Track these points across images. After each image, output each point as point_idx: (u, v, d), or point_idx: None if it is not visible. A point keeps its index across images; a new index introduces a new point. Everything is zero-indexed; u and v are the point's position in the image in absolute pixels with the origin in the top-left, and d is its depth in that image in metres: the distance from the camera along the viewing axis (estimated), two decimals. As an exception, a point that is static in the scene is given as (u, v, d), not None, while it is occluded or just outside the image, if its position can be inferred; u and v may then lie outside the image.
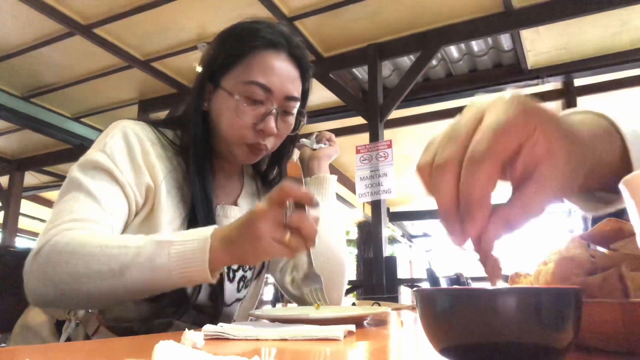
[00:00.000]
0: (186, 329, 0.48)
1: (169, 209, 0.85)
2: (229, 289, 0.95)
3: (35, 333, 0.84)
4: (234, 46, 0.90)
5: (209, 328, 0.57)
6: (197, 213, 0.86)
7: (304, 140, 1.16)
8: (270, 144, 0.93)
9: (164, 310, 0.83)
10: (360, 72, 4.58)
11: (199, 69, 0.95)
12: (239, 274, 0.97)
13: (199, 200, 0.86)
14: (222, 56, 0.90)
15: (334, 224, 1.05)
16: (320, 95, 4.67)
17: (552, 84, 4.33)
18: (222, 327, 0.57)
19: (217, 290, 0.90)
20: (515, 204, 0.34)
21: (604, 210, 0.53)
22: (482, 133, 0.33)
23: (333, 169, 7.07)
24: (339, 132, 5.18)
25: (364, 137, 4.06)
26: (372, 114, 4.01)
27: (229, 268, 0.95)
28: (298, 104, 0.94)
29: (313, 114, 5.11)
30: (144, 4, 3.60)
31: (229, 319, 0.96)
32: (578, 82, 4.26)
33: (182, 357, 0.33)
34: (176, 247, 0.69)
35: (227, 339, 0.55)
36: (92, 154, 0.82)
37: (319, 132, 1.17)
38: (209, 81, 0.92)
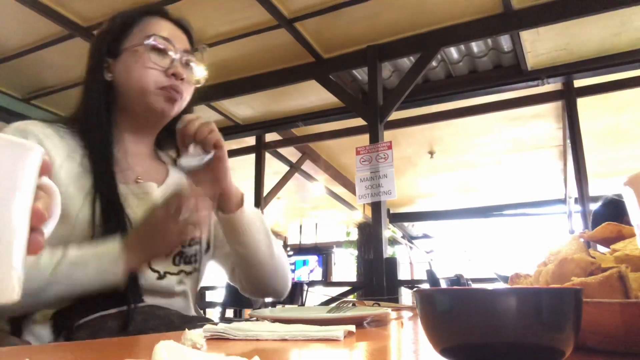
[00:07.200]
0: (186, 329, 0.48)
1: (68, 190, 0.84)
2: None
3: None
4: (128, 16, 1.00)
5: (209, 328, 0.57)
6: (97, 185, 0.86)
7: (182, 161, 0.89)
8: (183, 91, 0.98)
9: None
10: (360, 74, 4.57)
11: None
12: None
13: (99, 171, 0.88)
14: (117, 28, 0.99)
15: (260, 239, 1.01)
16: (320, 96, 4.67)
17: (552, 85, 4.33)
18: (222, 327, 0.57)
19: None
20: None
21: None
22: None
23: (333, 171, 6.97)
24: (339, 133, 5.18)
25: (364, 139, 4.05)
26: (372, 115, 4.01)
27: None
28: (194, 59, 1.02)
29: (313, 115, 5.10)
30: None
31: (159, 293, 0.92)
32: (578, 83, 4.26)
33: (182, 357, 0.33)
34: (93, 266, 0.78)
35: (227, 339, 0.55)
36: None
37: (186, 126, 0.89)
38: (107, 56, 0.97)
